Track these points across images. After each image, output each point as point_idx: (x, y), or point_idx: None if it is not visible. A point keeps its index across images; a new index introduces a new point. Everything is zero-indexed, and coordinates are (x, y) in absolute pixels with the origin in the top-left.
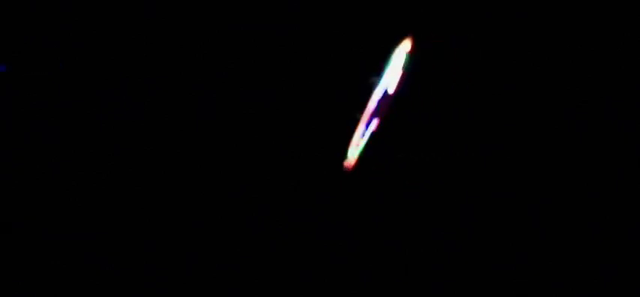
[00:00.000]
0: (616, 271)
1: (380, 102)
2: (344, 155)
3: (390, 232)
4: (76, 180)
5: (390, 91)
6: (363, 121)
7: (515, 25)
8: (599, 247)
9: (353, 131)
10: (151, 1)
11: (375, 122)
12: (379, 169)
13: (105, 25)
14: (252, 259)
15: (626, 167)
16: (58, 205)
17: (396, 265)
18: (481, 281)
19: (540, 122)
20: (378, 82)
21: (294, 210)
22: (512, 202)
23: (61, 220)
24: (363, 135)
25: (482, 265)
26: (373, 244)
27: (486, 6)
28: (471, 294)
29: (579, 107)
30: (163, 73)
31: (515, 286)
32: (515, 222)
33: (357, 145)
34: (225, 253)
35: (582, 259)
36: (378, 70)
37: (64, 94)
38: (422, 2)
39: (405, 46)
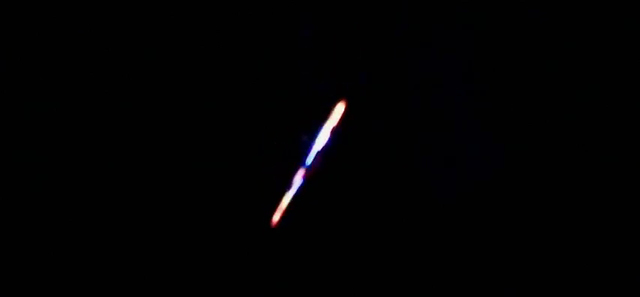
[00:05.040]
0: (616, 271)
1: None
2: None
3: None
4: (76, 180)
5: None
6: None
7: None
8: (600, 247)
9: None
10: (151, 1)
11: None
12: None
13: (105, 25)
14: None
15: (626, 167)
16: (58, 204)
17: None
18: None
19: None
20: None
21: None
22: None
23: (61, 220)
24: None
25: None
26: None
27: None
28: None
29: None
30: (163, 73)
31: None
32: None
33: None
34: (222, 252)
35: (582, 259)
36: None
37: (64, 94)
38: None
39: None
